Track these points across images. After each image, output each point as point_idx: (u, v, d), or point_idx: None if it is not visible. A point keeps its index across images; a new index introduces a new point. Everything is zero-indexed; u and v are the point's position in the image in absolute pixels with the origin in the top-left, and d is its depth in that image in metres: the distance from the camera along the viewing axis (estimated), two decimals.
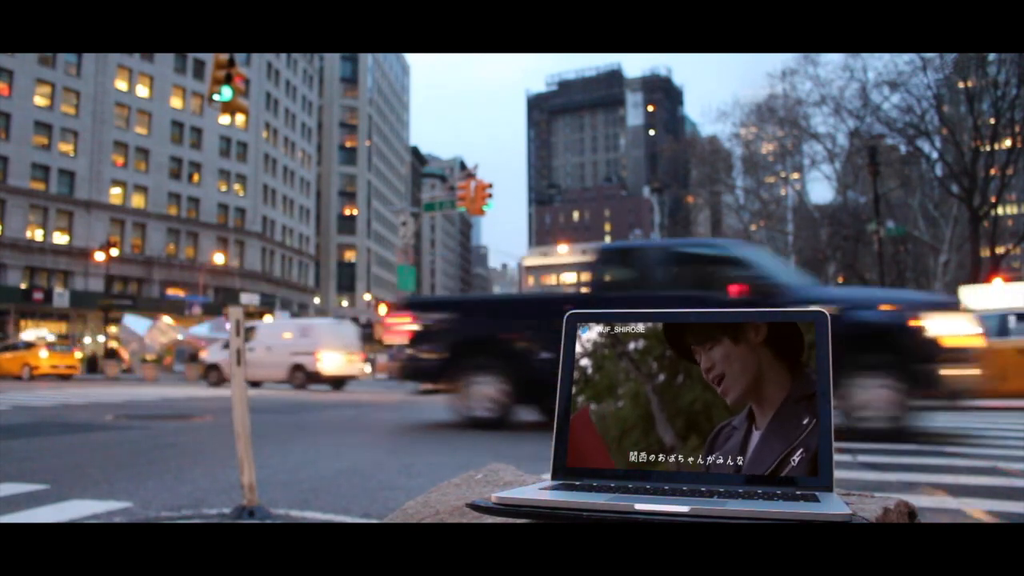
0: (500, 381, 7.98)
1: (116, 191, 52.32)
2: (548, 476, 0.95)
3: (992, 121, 25.69)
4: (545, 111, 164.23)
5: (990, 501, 3.87)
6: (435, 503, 0.98)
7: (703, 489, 0.83)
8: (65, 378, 27.84)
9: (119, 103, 52.56)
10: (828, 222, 36.25)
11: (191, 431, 8.39)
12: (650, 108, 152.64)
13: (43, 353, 28.11)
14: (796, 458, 0.86)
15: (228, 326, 20.49)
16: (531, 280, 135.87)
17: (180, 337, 34.31)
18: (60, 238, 48.66)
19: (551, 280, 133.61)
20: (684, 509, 0.71)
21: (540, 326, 7.90)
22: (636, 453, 0.91)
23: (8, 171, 45.37)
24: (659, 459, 0.90)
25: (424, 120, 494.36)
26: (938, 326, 6.62)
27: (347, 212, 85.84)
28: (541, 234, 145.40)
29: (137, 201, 53.82)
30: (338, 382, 21.04)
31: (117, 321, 38.53)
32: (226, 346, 22.08)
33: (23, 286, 45.37)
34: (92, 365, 36.16)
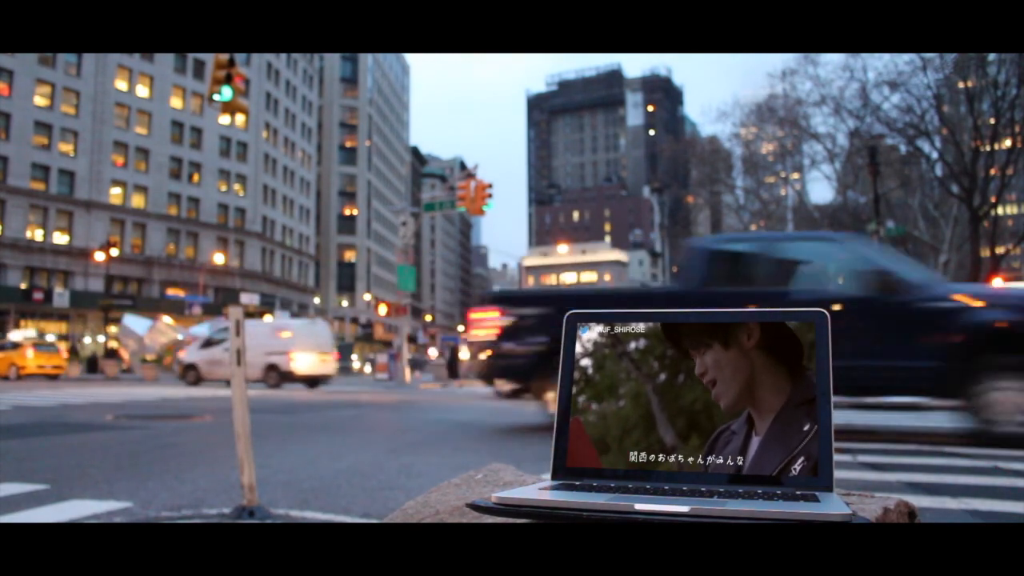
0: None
1: (116, 191, 52.34)
2: (548, 476, 0.95)
3: (992, 121, 25.68)
4: (545, 111, 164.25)
5: (990, 501, 3.87)
6: (435, 503, 0.98)
7: (703, 489, 0.83)
8: (52, 378, 27.96)
9: (119, 103, 52.57)
10: (828, 222, 36.23)
11: (191, 431, 8.39)
12: (650, 108, 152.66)
13: (29, 353, 28.23)
14: (797, 467, 0.85)
15: (205, 328, 20.57)
16: (531, 280, 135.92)
17: (180, 337, 34.29)
18: (60, 238, 48.67)
19: (551, 280, 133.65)
20: (684, 509, 0.71)
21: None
22: (636, 453, 0.91)
23: (8, 171, 45.38)
24: (659, 459, 0.90)
25: (424, 120, 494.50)
26: None
27: (347, 212, 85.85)
28: (541, 234, 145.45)
29: (137, 201, 53.83)
30: (312, 381, 21.37)
31: (117, 321, 38.53)
32: (204, 346, 22.34)
33: (23, 286, 45.39)
34: (92, 365, 36.17)
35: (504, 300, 8.68)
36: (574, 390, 0.97)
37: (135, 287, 52.78)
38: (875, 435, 7.26)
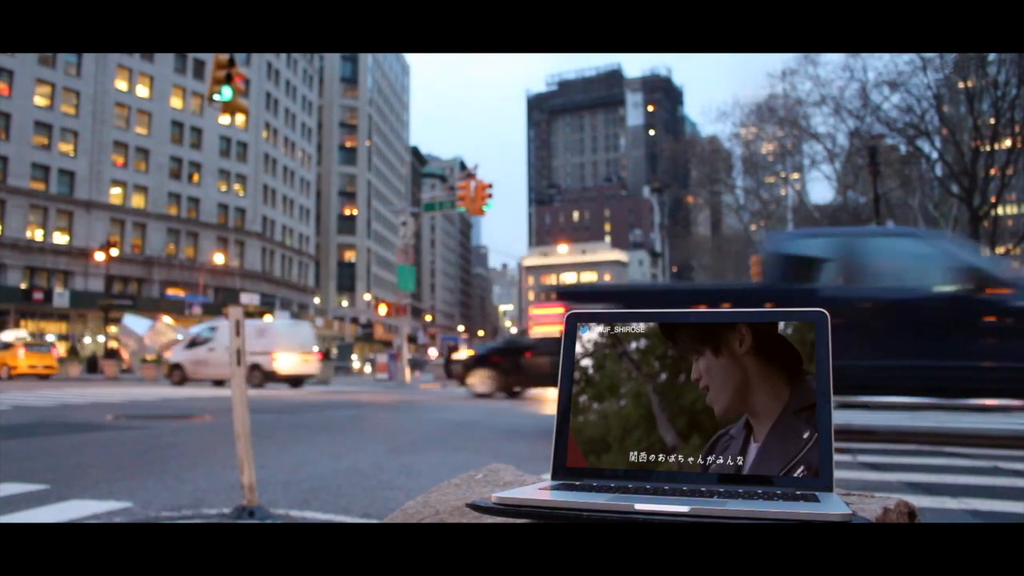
0: None
1: (116, 191, 52.34)
2: (548, 476, 0.95)
3: (992, 121, 25.67)
4: (545, 111, 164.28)
5: (990, 501, 3.87)
6: (435, 503, 0.98)
7: (703, 489, 0.83)
8: (43, 378, 28.07)
9: (119, 103, 52.58)
10: (828, 222, 36.22)
11: (191, 431, 8.39)
12: (650, 108, 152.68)
13: (20, 353, 28.33)
14: (797, 475, 0.84)
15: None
16: (531, 280, 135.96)
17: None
18: (60, 238, 48.68)
19: (551, 280, 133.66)
20: (684, 509, 0.71)
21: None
22: (636, 453, 0.91)
23: (8, 171, 45.39)
24: (659, 459, 0.90)
25: (424, 120, 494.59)
26: None
27: (347, 212, 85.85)
28: (541, 234, 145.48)
29: (137, 201, 53.84)
30: (295, 381, 21.66)
31: (117, 321, 38.52)
32: (189, 346, 22.65)
33: (23, 286, 45.39)
34: (92, 365, 36.17)
35: (570, 295, 8.26)
36: (575, 389, 0.97)
37: (135, 287, 52.78)
38: (875, 435, 7.26)
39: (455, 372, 21.17)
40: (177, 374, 22.28)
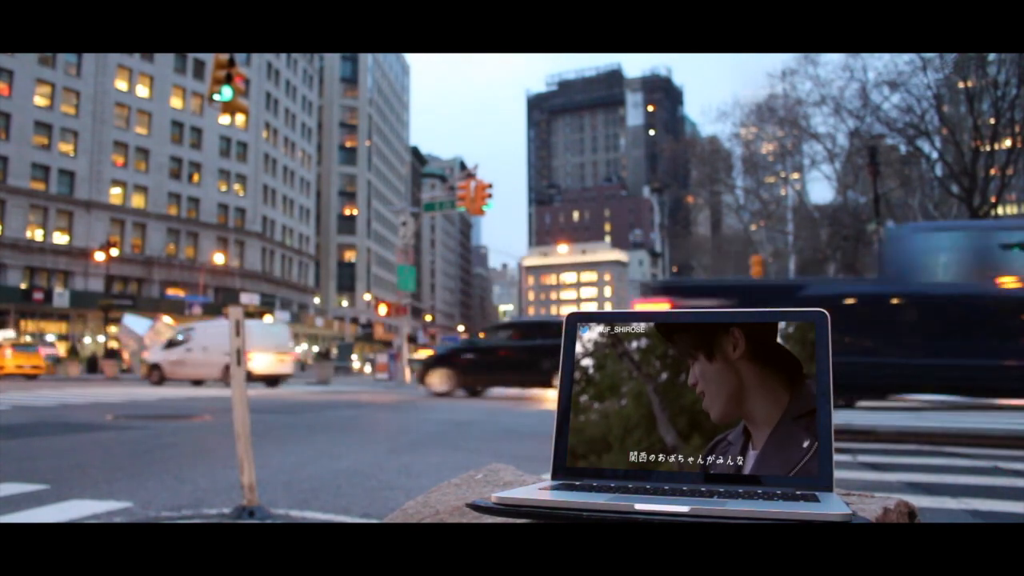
0: None
1: (116, 191, 52.35)
2: (548, 476, 0.95)
3: (992, 121, 25.67)
4: (545, 111, 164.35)
5: (990, 501, 3.88)
6: (435, 503, 0.98)
7: (703, 489, 0.83)
8: (31, 378, 28.22)
9: (119, 103, 52.59)
10: (828, 222, 36.25)
11: (191, 431, 8.39)
12: (650, 108, 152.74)
13: (8, 353, 28.47)
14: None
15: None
16: (531, 280, 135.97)
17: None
18: (60, 238, 48.68)
19: (551, 280, 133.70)
20: (684, 509, 0.71)
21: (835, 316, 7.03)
22: (636, 453, 0.91)
23: (8, 171, 45.40)
24: (660, 459, 0.90)
25: (424, 120, 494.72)
26: None
27: (347, 212, 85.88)
28: (541, 234, 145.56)
29: (137, 201, 53.85)
30: (271, 380, 22.04)
31: (117, 321, 38.53)
32: (167, 346, 23.12)
33: (23, 286, 45.40)
34: (92, 365, 36.18)
35: (675, 291, 7.90)
36: (576, 389, 0.97)
37: (135, 287, 52.79)
38: (875, 435, 7.25)
39: (415, 372, 21.51)
40: (156, 374, 22.71)
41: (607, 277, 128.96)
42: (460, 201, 27.11)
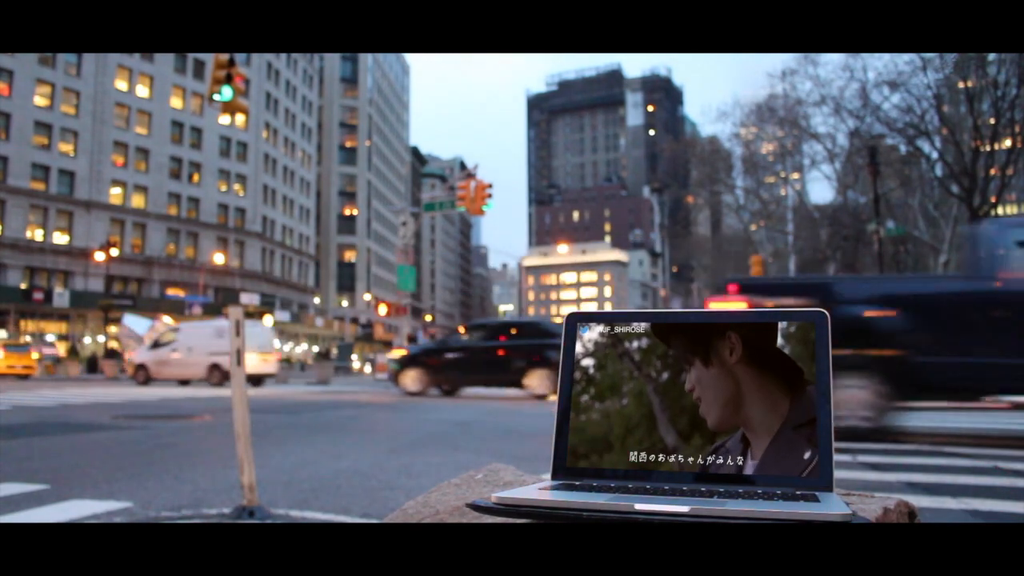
0: (874, 381, 6.36)
1: (116, 191, 52.36)
2: (548, 476, 0.95)
3: (992, 121, 25.67)
4: (545, 111, 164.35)
5: (990, 501, 3.88)
6: (435, 503, 0.98)
7: (703, 489, 0.83)
8: (23, 378, 28.34)
9: (119, 103, 52.59)
10: (828, 222, 36.25)
11: (191, 431, 8.39)
12: (650, 108, 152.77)
13: (0, 353, 28.62)
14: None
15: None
16: (531, 280, 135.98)
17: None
18: (60, 238, 48.68)
19: (551, 280, 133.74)
20: (684, 509, 0.71)
21: (917, 313, 6.53)
22: (636, 453, 0.91)
23: (8, 171, 45.39)
24: (660, 459, 0.89)
25: (424, 120, 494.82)
26: None
27: (347, 212, 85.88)
28: (541, 234, 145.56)
29: (137, 201, 53.85)
30: (255, 380, 22.29)
31: (117, 321, 38.53)
32: (153, 347, 23.41)
33: (23, 286, 45.40)
34: (92, 365, 36.18)
35: (753, 289, 7.55)
36: (576, 389, 0.96)
37: (135, 287, 52.80)
38: (874, 435, 7.25)
39: (389, 372, 21.75)
40: (141, 374, 23.01)
41: (607, 277, 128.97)
42: (460, 201, 27.12)
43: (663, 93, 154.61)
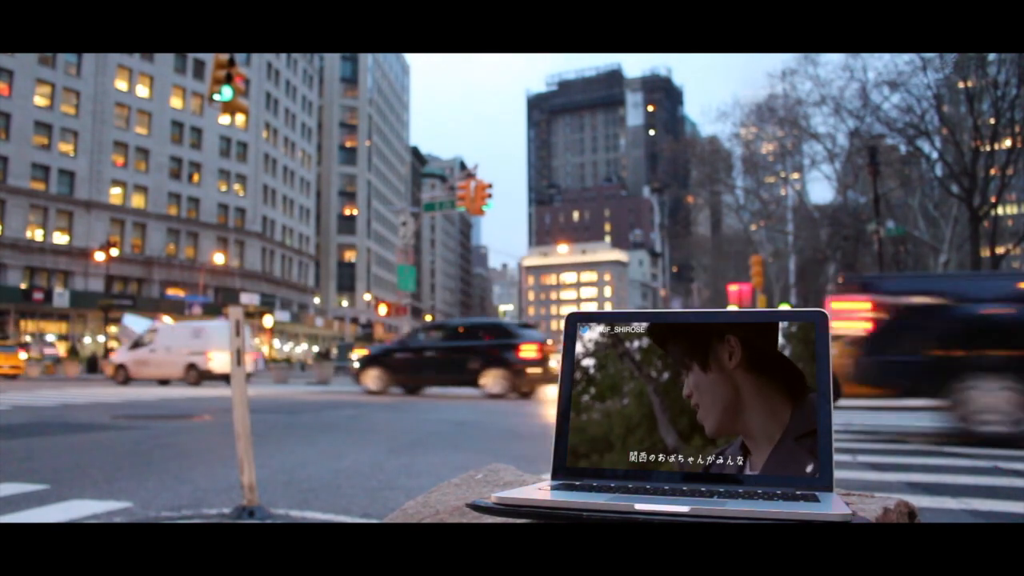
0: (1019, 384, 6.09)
1: (116, 191, 52.35)
2: (548, 476, 0.95)
3: (992, 121, 25.67)
4: (545, 111, 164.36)
5: (990, 501, 3.87)
6: (435, 503, 0.98)
7: (703, 489, 0.82)
8: (10, 378, 28.48)
9: (119, 103, 52.59)
10: (828, 222, 36.25)
11: (191, 431, 8.39)
12: (650, 108, 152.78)
13: None
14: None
15: (135, 327, 21.39)
16: (531, 280, 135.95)
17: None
18: (60, 238, 48.68)
19: (551, 280, 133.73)
20: (684, 509, 0.71)
21: None
22: (637, 453, 0.90)
23: (8, 171, 45.39)
24: (660, 459, 0.89)
25: (424, 120, 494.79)
26: None
27: (347, 212, 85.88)
28: (541, 234, 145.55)
29: (137, 201, 53.85)
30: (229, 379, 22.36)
31: (117, 321, 38.52)
32: (132, 347, 23.62)
33: (23, 286, 45.40)
34: (92, 365, 36.18)
35: (880, 288, 7.10)
36: (577, 389, 0.96)
37: (135, 287, 52.80)
38: (875, 435, 7.26)
39: (350, 371, 22.00)
40: (121, 374, 23.18)
41: (607, 277, 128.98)
42: (460, 201, 27.13)
43: (663, 93, 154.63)
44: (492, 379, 14.85)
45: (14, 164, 45.66)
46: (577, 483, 0.89)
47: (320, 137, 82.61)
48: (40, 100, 47.57)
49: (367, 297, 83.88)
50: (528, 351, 14.80)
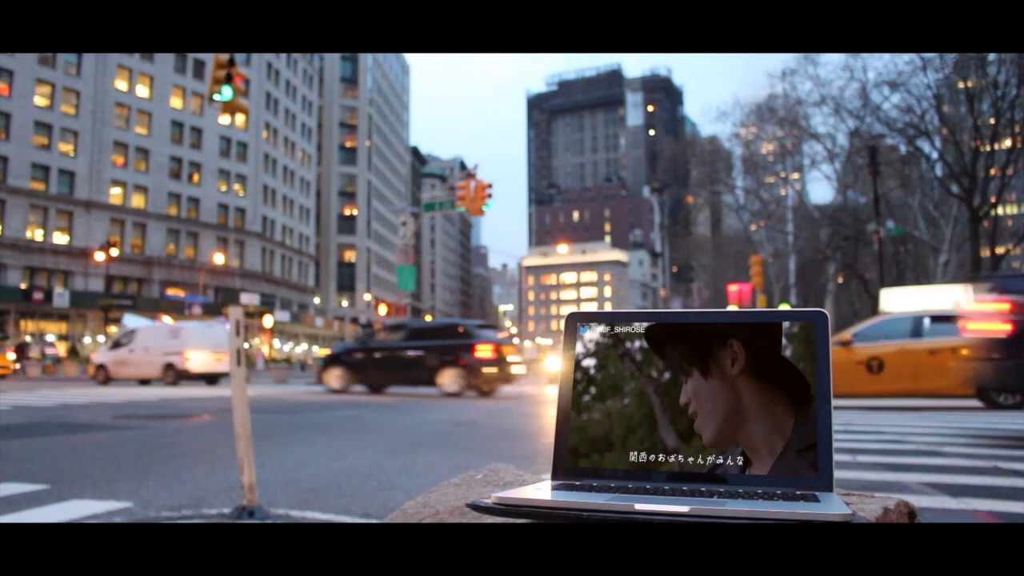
0: None
1: (116, 191, 52.36)
2: (548, 476, 0.95)
3: (992, 121, 25.68)
4: (545, 111, 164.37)
5: (990, 501, 3.87)
6: (435, 503, 0.98)
7: (703, 489, 0.82)
8: (0, 378, 28.47)
9: (119, 103, 52.59)
10: (828, 222, 36.26)
11: (191, 431, 8.39)
12: (650, 108, 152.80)
13: None
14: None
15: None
16: (531, 280, 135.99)
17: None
18: (60, 238, 48.69)
19: (551, 280, 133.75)
20: (684, 509, 0.71)
21: None
22: (637, 453, 0.90)
23: (8, 171, 45.40)
24: (660, 459, 0.89)
25: (424, 120, 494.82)
26: None
27: (347, 212, 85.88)
28: (541, 234, 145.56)
29: (137, 201, 53.86)
30: (211, 378, 22.72)
31: (117, 321, 38.52)
32: (112, 347, 23.78)
33: (23, 286, 45.41)
34: None
35: (1021, 289, 6.54)
36: (578, 389, 0.96)
37: (135, 287, 52.80)
38: (875, 435, 7.26)
39: (315, 370, 22.19)
40: (101, 374, 23.28)
41: (607, 277, 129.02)
42: (460, 201, 27.14)
43: (663, 93, 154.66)
44: (449, 378, 15.05)
45: (14, 164, 45.66)
46: (577, 483, 0.89)
47: (320, 137, 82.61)
48: (40, 100, 47.58)
49: (367, 297, 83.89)
50: (484, 351, 14.95)
